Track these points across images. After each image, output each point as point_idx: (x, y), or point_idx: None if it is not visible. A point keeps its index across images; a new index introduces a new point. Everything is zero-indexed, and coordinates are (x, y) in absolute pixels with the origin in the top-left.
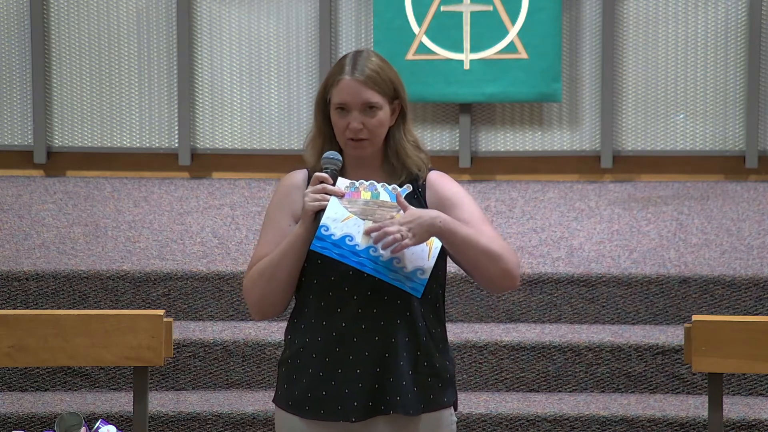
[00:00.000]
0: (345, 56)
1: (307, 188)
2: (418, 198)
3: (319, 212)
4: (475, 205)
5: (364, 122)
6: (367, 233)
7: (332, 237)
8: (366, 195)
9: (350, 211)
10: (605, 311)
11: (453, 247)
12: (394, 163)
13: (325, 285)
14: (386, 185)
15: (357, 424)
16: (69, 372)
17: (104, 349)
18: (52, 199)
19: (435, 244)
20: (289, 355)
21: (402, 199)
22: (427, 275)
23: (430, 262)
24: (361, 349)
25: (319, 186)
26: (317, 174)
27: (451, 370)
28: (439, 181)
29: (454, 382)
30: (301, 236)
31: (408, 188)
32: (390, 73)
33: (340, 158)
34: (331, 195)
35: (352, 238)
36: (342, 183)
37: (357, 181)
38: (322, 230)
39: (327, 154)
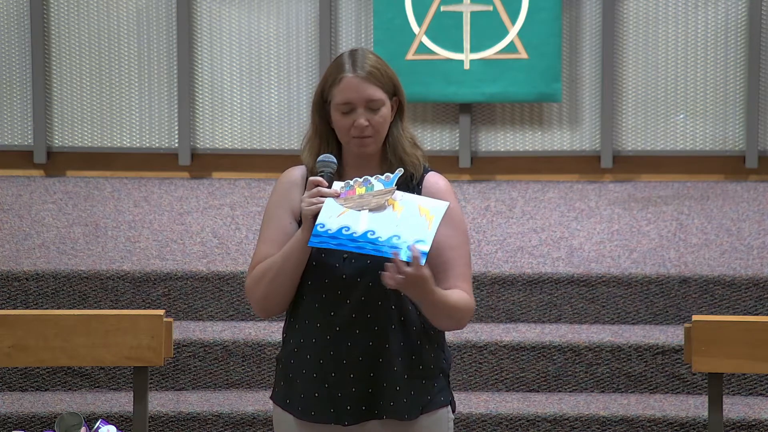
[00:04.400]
0: (341, 56)
1: (304, 188)
2: None
3: (318, 215)
4: (465, 236)
5: (369, 119)
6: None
7: (329, 231)
8: (361, 191)
9: (346, 207)
10: (605, 311)
11: (425, 307)
12: (393, 160)
13: (319, 287)
14: (379, 176)
15: (350, 427)
16: (69, 372)
17: (104, 349)
18: (52, 199)
19: (436, 215)
20: (284, 353)
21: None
22: (428, 245)
23: (430, 233)
24: (355, 353)
25: (314, 190)
26: (312, 178)
27: (446, 369)
28: (438, 189)
29: (449, 380)
30: (301, 241)
31: (400, 171)
32: (388, 69)
33: (335, 161)
34: (326, 197)
35: (348, 228)
36: (337, 185)
37: (352, 179)
38: (318, 227)
39: (321, 157)
